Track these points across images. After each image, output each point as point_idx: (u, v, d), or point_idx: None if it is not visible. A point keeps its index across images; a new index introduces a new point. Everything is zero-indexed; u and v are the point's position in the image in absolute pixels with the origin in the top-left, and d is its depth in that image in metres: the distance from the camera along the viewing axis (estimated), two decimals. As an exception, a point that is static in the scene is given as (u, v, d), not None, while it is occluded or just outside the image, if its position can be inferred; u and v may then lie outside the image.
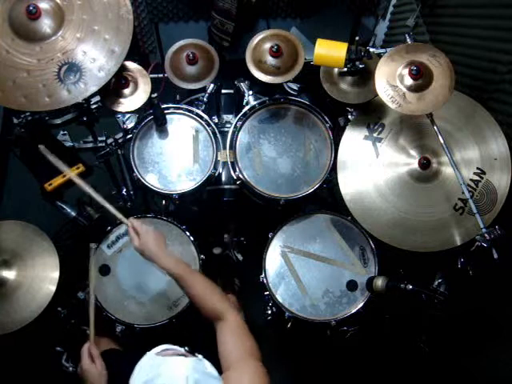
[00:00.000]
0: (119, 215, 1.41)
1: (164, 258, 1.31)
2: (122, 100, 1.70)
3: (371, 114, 1.75)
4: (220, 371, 1.01)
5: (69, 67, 1.39)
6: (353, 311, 1.77)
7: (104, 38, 1.42)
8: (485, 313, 2.06)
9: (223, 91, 2.17)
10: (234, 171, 1.87)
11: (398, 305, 2.00)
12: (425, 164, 1.61)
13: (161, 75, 1.89)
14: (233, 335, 1.16)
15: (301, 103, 1.94)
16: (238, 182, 1.89)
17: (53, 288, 1.65)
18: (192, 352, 1.01)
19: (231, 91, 2.25)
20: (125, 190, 2.20)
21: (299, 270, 1.85)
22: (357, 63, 1.67)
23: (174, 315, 1.77)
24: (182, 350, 1.02)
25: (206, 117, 1.94)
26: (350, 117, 1.81)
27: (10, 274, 1.66)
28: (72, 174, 1.51)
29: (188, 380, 0.85)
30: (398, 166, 1.68)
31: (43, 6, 1.39)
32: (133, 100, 1.71)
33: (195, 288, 1.27)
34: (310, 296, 1.81)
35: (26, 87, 1.37)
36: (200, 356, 0.97)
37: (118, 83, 1.68)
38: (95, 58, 1.41)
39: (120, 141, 1.97)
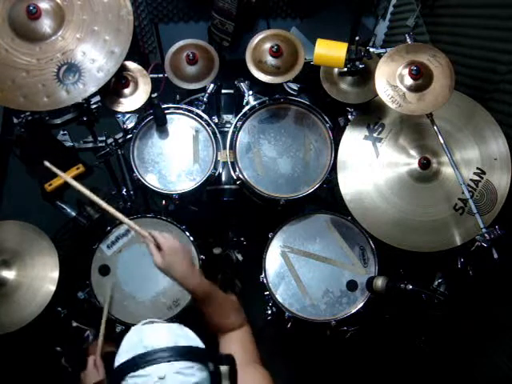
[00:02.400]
0: (142, 231, 1.19)
1: (192, 280, 1.14)
2: (122, 100, 1.70)
3: (371, 114, 1.75)
4: None
5: (68, 67, 1.39)
6: (353, 311, 1.77)
7: (104, 38, 1.42)
8: (485, 313, 2.05)
9: (223, 91, 2.17)
10: (234, 171, 1.87)
11: (398, 305, 2.00)
12: (425, 164, 1.61)
13: (161, 75, 1.89)
14: (238, 343, 1.16)
15: (301, 103, 1.94)
16: (238, 182, 1.89)
17: (53, 288, 1.65)
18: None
19: (231, 91, 2.24)
20: (125, 189, 2.20)
21: (299, 270, 1.85)
22: (357, 63, 1.67)
23: (174, 315, 1.77)
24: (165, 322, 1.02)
25: (205, 117, 1.94)
26: (349, 117, 1.81)
27: (9, 274, 1.66)
28: (98, 199, 1.27)
29: (168, 340, 0.85)
30: (398, 166, 1.68)
31: (43, 6, 1.39)
32: (133, 100, 1.71)
33: (218, 307, 1.19)
34: (310, 296, 1.81)
35: (25, 87, 1.37)
36: (182, 324, 0.97)
37: (118, 83, 1.68)
38: (95, 58, 1.41)
39: (120, 141, 1.97)
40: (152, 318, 0.98)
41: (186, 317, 1.78)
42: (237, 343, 1.16)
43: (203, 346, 0.90)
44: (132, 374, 0.80)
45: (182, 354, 0.83)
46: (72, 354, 1.79)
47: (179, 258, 1.14)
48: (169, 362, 0.81)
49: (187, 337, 0.90)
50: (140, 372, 0.80)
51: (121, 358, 0.85)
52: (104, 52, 1.42)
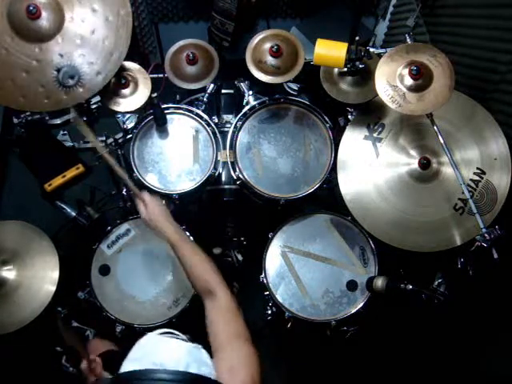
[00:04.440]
0: (136, 190, 1.46)
1: (166, 225, 1.37)
2: (122, 100, 1.70)
3: (371, 114, 1.75)
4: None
5: (67, 70, 1.39)
6: (353, 311, 1.77)
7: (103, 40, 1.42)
8: (485, 313, 2.06)
9: (223, 91, 2.17)
10: (234, 171, 1.87)
11: (398, 305, 2.00)
12: (425, 164, 1.61)
13: (161, 75, 1.89)
14: (221, 315, 1.14)
15: (301, 103, 1.94)
16: (238, 182, 1.89)
17: (52, 288, 1.65)
18: (192, 341, 1.01)
19: (231, 91, 2.24)
20: (125, 189, 2.20)
21: (299, 270, 1.85)
22: (357, 63, 1.67)
23: (173, 315, 1.77)
24: (183, 336, 1.01)
25: (205, 117, 1.94)
26: (349, 117, 1.81)
27: (9, 274, 1.66)
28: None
29: (180, 362, 0.84)
30: (398, 166, 1.68)
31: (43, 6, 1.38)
32: (133, 100, 1.70)
33: (190, 256, 1.29)
34: (310, 296, 1.81)
35: (25, 87, 1.37)
36: (200, 346, 0.96)
37: (117, 83, 1.68)
38: (93, 61, 1.41)
39: (120, 141, 1.97)
40: (175, 332, 0.97)
41: (185, 317, 1.78)
42: (220, 315, 1.14)
43: (214, 377, 0.89)
44: None
45: (187, 381, 0.82)
46: (72, 354, 1.79)
47: (157, 206, 1.41)
48: None
49: (201, 362, 0.89)
50: None
51: (129, 364, 0.85)
52: (103, 54, 1.41)
